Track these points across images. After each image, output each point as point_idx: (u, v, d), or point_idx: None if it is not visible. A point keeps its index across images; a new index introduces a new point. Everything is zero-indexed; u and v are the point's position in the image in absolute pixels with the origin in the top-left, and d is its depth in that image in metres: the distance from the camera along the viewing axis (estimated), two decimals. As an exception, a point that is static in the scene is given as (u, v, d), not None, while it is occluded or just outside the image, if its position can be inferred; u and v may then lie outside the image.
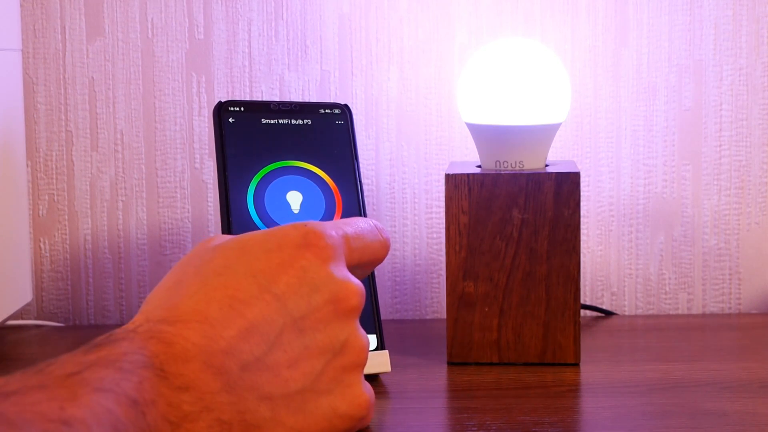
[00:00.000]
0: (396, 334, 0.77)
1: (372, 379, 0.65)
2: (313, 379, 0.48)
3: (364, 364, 0.51)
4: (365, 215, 0.68)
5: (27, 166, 0.83)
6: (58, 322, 0.85)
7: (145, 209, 0.84)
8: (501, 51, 0.69)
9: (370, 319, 0.66)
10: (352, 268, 0.53)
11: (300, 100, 0.83)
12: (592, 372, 0.66)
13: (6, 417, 0.36)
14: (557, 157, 0.82)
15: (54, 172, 0.84)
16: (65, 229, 0.85)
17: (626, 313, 0.85)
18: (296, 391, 0.48)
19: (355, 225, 0.53)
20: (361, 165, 0.81)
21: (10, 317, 0.79)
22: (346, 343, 0.50)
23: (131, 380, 0.41)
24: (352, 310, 0.50)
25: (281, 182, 0.67)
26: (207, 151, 0.84)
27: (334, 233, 0.51)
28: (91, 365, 0.41)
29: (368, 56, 0.83)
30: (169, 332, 0.45)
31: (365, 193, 0.79)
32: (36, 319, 0.85)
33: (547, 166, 0.70)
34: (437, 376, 0.67)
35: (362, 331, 0.51)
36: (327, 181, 0.68)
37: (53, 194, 0.84)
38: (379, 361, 0.65)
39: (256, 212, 0.66)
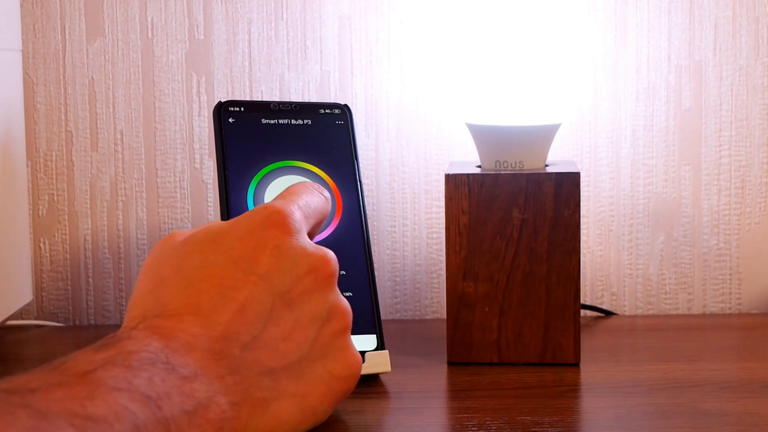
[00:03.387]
0: (396, 334, 0.77)
1: (372, 379, 0.65)
2: (308, 347, 0.51)
3: (350, 327, 0.54)
4: (365, 215, 0.68)
5: (27, 166, 0.83)
6: (58, 322, 0.85)
7: (145, 209, 0.84)
8: (501, 51, 0.69)
9: (370, 319, 0.66)
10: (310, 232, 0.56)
11: (300, 100, 0.83)
12: (592, 372, 0.66)
13: (37, 408, 0.38)
14: (557, 157, 0.82)
15: (54, 172, 0.84)
16: (65, 229, 0.85)
17: (626, 313, 0.85)
18: (294, 361, 0.51)
19: (298, 193, 0.56)
20: (361, 165, 0.81)
21: (10, 317, 0.79)
22: (331, 309, 0.53)
23: (142, 377, 0.43)
24: (330, 277, 0.53)
25: (281, 182, 0.67)
26: (207, 151, 0.84)
27: (292, 208, 0.54)
28: (104, 364, 0.42)
29: (368, 56, 0.83)
30: (167, 326, 0.47)
31: (365, 193, 0.79)
32: (36, 319, 0.85)
33: (547, 166, 0.70)
34: (437, 376, 0.67)
35: (342, 297, 0.54)
36: (327, 181, 0.68)
37: (53, 194, 0.84)
38: (379, 361, 0.65)
39: (256, 212, 0.66)
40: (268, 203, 0.54)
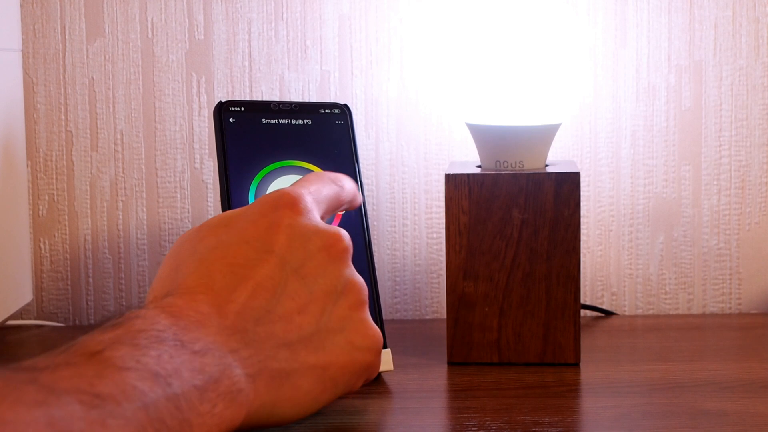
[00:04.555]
0: (396, 334, 0.77)
1: (374, 378, 0.65)
2: (324, 319, 0.52)
3: (366, 302, 0.55)
4: (366, 215, 0.68)
5: (27, 166, 0.84)
6: (58, 322, 0.85)
7: (145, 209, 0.84)
8: (501, 51, 0.69)
9: (372, 318, 0.66)
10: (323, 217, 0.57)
11: (300, 100, 0.83)
12: (592, 372, 0.66)
13: (45, 384, 0.38)
14: (557, 157, 0.83)
15: (54, 172, 0.84)
16: (65, 229, 0.85)
17: (626, 313, 0.85)
18: (311, 333, 0.51)
19: (310, 180, 0.57)
20: (361, 165, 0.81)
21: (10, 317, 0.79)
22: (346, 284, 0.53)
23: (150, 355, 0.43)
24: (344, 252, 0.54)
25: (282, 182, 0.67)
26: (207, 151, 0.84)
27: (301, 191, 0.55)
28: (112, 344, 0.42)
29: (368, 56, 0.83)
30: (176, 305, 0.48)
31: (365, 193, 0.79)
32: (36, 319, 0.85)
33: (547, 166, 0.70)
34: (437, 376, 0.67)
35: (357, 274, 0.55)
36: (327, 181, 0.68)
37: (53, 194, 0.84)
38: (381, 360, 0.65)
39: (257, 212, 0.66)
40: (278, 189, 0.55)
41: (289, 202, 0.53)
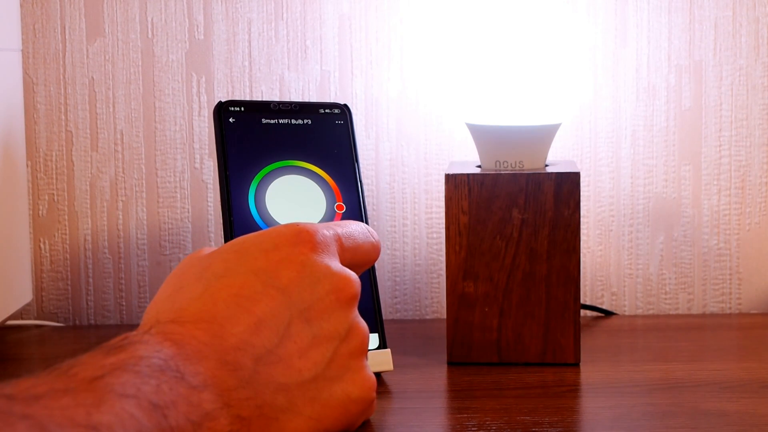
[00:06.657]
0: (396, 334, 0.77)
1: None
2: (324, 366, 0.51)
3: (367, 350, 0.53)
4: (366, 215, 0.68)
5: (27, 166, 0.84)
6: (58, 322, 0.85)
7: (145, 209, 0.84)
8: (501, 51, 0.69)
9: (372, 318, 0.66)
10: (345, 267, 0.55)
11: (300, 100, 0.83)
12: (592, 372, 0.66)
13: (38, 420, 0.37)
14: (557, 157, 0.83)
15: (54, 172, 0.84)
16: (65, 229, 0.85)
17: (626, 313, 0.85)
18: (310, 380, 0.50)
19: (346, 226, 0.56)
20: (361, 165, 0.81)
21: (10, 317, 0.79)
22: (350, 329, 0.52)
23: (150, 384, 0.42)
24: (352, 299, 0.52)
25: (282, 182, 0.67)
26: (207, 151, 0.84)
27: (326, 232, 0.53)
28: (114, 369, 0.42)
29: (368, 56, 0.83)
30: (179, 333, 0.47)
31: (365, 193, 0.79)
32: (36, 319, 0.85)
33: (547, 166, 0.70)
34: (437, 376, 0.67)
35: (361, 320, 0.53)
36: (327, 181, 0.68)
37: (53, 194, 0.84)
38: (381, 360, 0.65)
39: (257, 212, 0.66)
40: (301, 222, 0.54)
41: (307, 239, 0.52)
